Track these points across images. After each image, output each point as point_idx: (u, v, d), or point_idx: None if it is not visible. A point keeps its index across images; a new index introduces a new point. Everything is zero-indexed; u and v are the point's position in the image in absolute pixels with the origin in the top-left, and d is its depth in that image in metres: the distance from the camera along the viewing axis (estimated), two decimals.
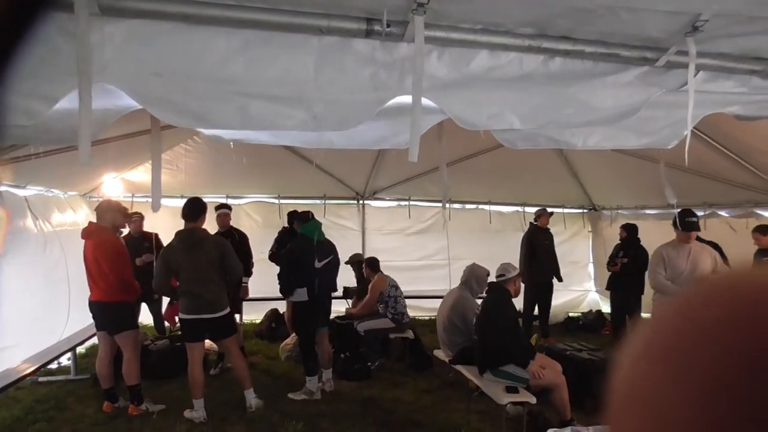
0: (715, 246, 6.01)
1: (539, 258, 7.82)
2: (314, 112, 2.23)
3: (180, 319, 5.12)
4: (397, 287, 7.00)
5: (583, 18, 2.17)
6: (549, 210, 8.24)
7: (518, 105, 2.49)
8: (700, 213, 6.68)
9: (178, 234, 5.04)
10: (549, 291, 8.05)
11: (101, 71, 1.84)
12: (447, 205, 9.06)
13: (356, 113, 2.28)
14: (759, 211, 6.70)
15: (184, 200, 5.30)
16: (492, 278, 5.35)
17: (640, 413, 0.36)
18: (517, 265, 5.86)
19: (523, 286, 6.28)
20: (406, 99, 2.20)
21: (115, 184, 7.82)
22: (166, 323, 7.23)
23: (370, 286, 7.03)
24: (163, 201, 7.93)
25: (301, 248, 5.63)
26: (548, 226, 8.15)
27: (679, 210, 5.25)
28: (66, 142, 2.59)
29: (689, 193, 6.52)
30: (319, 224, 5.87)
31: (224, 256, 5.03)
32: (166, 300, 6.80)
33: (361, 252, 8.77)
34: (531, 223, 8.28)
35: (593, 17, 2.16)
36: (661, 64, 2.42)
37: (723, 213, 6.95)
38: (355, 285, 7.83)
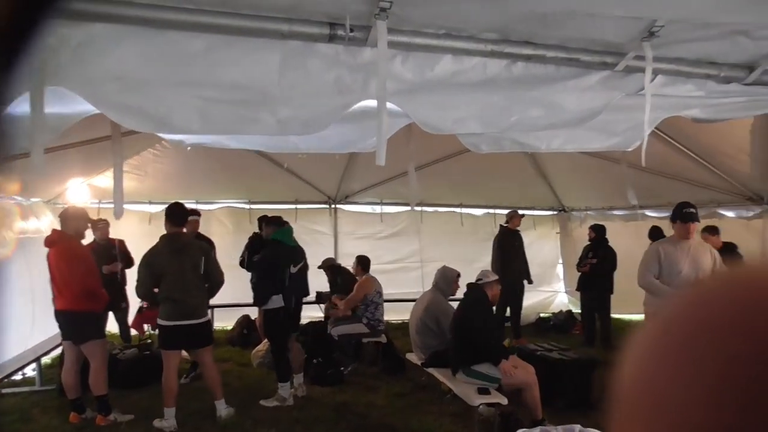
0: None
1: (510, 260, 7.89)
2: (278, 116, 2.22)
3: (159, 325, 4.99)
4: (381, 294, 6.94)
5: (543, 23, 2.20)
6: (520, 212, 8.33)
7: (483, 109, 2.51)
8: (663, 213, 6.81)
9: (163, 237, 4.95)
10: (520, 292, 8.13)
11: (55, 75, 1.79)
12: (419, 209, 9.14)
13: (321, 117, 2.27)
14: (721, 211, 6.86)
15: (152, 206, 5.21)
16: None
17: (648, 414, 0.35)
18: (491, 269, 5.91)
19: None
20: (373, 103, 2.20)
21: (82, 190, 7.60)
22: (134, 332, 7.08)
23: (356, 285, 6.97)
24: (132, 207, 7.88)
25: (278, 255, 5.58)
26: (518, 228, 8.23)
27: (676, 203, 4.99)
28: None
29: (653, 194, 6.65)
30: (291, 229, 5.85)
31: (207, 263, 5.00)
32: (134, 308, 6.66)
33: (333, 256, 8.74)
34: (501, 225, 8.36)
35: (553, 22, 2.20)
36: (620, 69, 2.47)
37: None
38: (328, 289, 7.77)
